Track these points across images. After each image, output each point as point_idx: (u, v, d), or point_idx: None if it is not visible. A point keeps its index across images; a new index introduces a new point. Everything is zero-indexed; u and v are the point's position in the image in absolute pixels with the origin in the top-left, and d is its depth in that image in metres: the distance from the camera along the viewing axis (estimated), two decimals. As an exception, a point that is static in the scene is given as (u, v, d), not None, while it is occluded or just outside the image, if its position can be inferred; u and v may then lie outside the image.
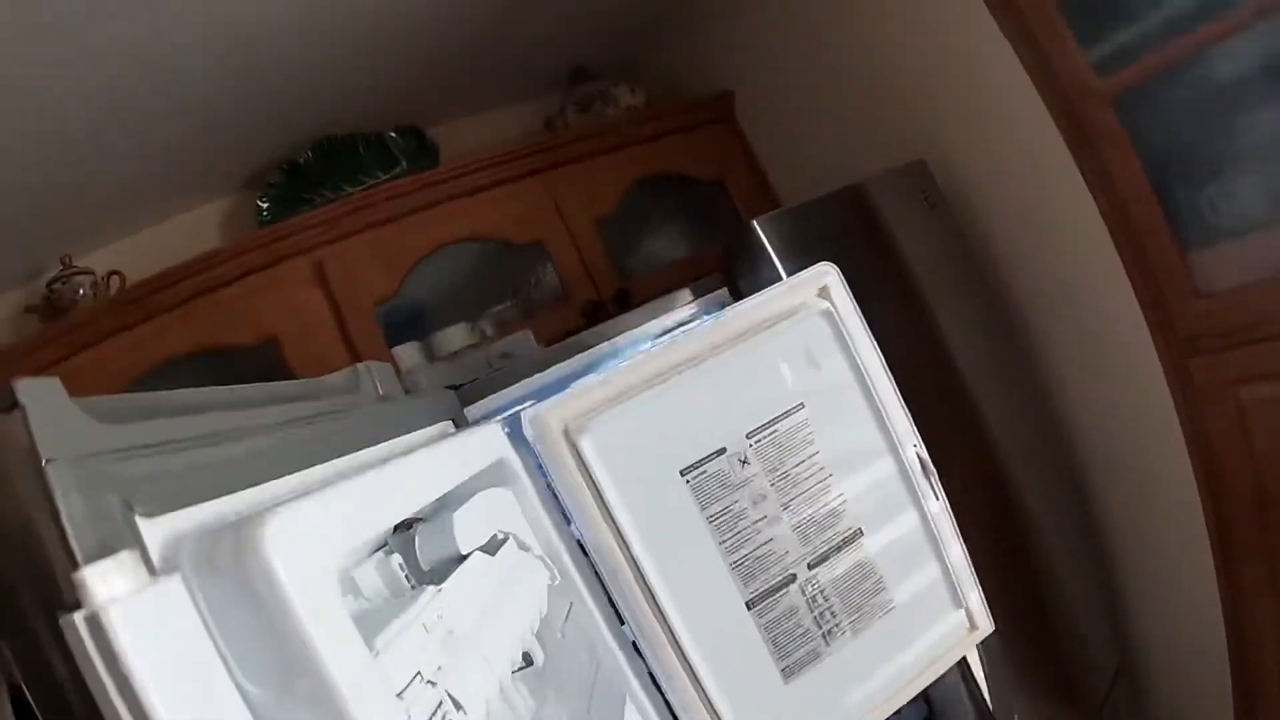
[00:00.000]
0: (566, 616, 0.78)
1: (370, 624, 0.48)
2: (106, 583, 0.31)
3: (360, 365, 0.69)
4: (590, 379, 0.82)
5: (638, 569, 0.78)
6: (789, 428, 0.83)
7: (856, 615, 0.82)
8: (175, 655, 0.32)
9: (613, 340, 1.11)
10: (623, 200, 1.74)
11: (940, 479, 0.90)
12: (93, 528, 0.33)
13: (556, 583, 0.74)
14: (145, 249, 1.56)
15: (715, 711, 0.77)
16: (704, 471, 0.81)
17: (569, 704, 0.71)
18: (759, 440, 0.82)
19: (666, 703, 0.78)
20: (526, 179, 1.66)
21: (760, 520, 0.81)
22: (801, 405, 0.84)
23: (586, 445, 0.79)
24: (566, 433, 0.79)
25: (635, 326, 1.16)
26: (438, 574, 0.61)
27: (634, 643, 0.80)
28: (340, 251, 1.45)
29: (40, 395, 0.34)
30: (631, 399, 0.81)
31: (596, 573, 0.80)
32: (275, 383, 0.57)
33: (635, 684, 0.78)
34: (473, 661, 0.51)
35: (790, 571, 0.81)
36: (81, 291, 1.41)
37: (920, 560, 0.85)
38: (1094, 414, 1.42)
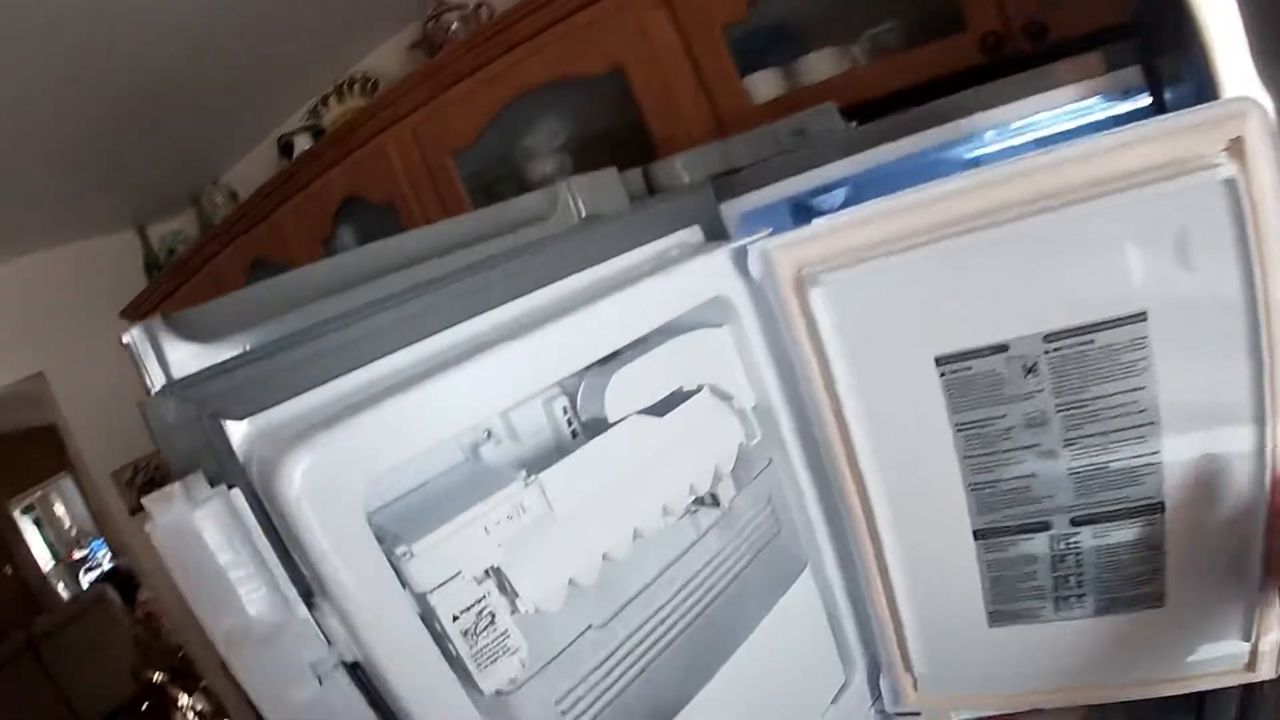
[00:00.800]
0: (763, 469, 0.73)
1: (484, 479, 0.51)
2: (160, 507, 0.38)
3: (561, 184, 0.64)
4: (851, 213, 0.64)
5: (851, 451, 0.67)
6: (1112, 342, 0.57)
7: (1107, 597, 0.61)
8: (220, 558, 0.39)
9: (941, 129, 0.82)
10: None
11: None
12: (184, 442, 0.40)
13: (754, 441, 0.68)
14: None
15: (898, 619, 0.69)
16: (968, 367, 0.62)
17: (734, 549, 0.70)
18: (1061, 347, 0.59)
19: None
20: None
21: (1027, 449, 0.61)
22: (1143, 315, 0.56)
23: (817, 300, 0.65)
24: (799, 279, 0.66)
25: (993, 105, 0.83)
26: (595, 426, 0.61)
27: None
28: (687, -35, 1.28)
29: (144, 335, 0.40)
30: (895, 253, 0.62)
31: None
32: (453, 220, 0.57)
33: (827, 558, 0.73)
34: (566, 543, 0.52)
35: (1045, 519, 0.62)
36: (454, 26, 1.49)
37: (1228, 570, 0.57)
38: None
